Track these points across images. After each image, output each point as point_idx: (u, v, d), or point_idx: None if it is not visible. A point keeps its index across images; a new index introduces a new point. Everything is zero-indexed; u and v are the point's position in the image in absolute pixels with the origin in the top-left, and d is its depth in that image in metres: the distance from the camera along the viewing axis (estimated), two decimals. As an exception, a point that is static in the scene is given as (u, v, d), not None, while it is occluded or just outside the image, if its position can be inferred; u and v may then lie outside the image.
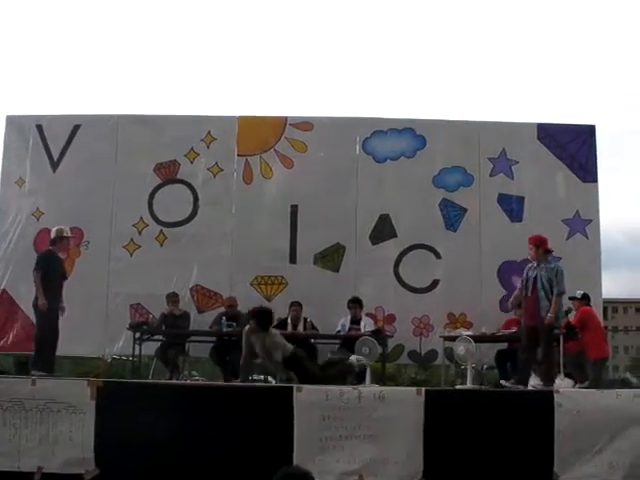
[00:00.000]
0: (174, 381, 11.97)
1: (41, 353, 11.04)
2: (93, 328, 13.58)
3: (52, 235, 11.55)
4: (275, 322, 12.21)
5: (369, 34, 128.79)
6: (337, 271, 14.02)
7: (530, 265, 11.10)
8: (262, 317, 10.64)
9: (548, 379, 10.40)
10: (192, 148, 14.34)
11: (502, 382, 11.28)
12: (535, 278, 10.83)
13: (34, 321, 11.54)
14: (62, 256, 11.72)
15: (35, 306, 11.09)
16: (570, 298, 12.44)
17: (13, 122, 14.71)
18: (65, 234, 11.59)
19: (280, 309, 12.79)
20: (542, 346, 10.76)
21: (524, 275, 11.14)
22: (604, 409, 8.94)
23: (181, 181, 14.34)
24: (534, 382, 10.62)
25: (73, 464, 8.85)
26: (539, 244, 11.00)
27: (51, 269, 11.18)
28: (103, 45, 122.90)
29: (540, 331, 10.71)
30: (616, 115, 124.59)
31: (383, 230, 14.09)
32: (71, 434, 8.92)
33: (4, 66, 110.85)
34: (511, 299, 12.12)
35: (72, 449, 8.88)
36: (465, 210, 14.12)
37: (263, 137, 14.44)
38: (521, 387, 10.45)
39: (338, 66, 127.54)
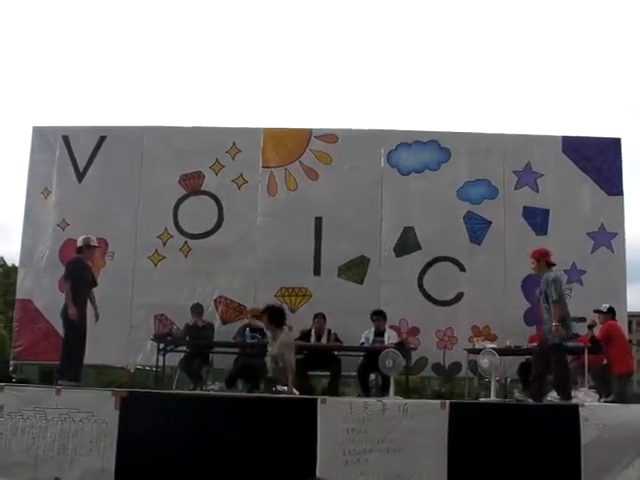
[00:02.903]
0: (198, 392, 11.95)
1: (69, 362, 11.03)
2: (117, 338, 13.62)
3: (79, 243, 11.58)
4: (298, 334, 12.26)
5: (393, 48, 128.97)
6: (361, 283, 14.01)
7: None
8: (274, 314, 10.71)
9: (566, 396, 10.12)
10: (217, 160, 14.39)
11: (516, 395, 11.16)
12: (540, 292, 10.65)
13: (59, 331, 11.56)
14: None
15: (65, 315, 11.09)
16: (595, 311, 12.38)
17: (40, 133, 14.86)
18: (92, 243, 11.65)
19: (304, 321, 12.83)
20: (552, 366, 10.32)
21: None
22: (630, 424, 8.89)
23: (206, 192, 14.39)
24: (551, 397, 10.51)
25: (91, 476, 8.83)
26: (540, 257, 10.71)
27: (80, 277, 11.24)
28: (130, 58, 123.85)
29: (547, 349, 10.39)
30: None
31: (407, 243, 14.07)
32: (91, 445, 8.92)
33: (31, 78, 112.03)
34: None
35: (91, 460, 8.87)
36: (490, 223, 14.08)
37: (288, 149, 14.48)
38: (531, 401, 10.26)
39: (363, 79, 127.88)
